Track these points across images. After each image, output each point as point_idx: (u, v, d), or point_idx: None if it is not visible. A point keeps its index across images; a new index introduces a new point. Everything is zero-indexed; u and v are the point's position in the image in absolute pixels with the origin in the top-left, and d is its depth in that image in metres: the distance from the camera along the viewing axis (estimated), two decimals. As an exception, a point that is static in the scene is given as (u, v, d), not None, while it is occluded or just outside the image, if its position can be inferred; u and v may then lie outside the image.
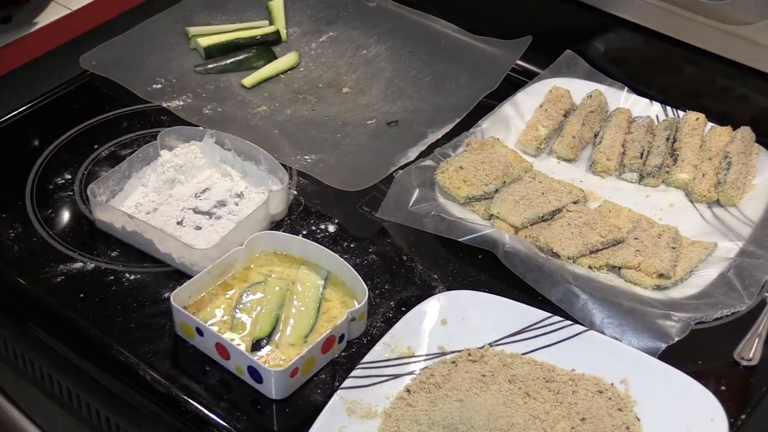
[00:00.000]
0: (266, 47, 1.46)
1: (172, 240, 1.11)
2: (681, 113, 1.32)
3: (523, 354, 1.01)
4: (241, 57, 1.44)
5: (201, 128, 1.27)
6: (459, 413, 0.94)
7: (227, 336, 1.01)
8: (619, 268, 1.12)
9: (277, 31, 1.48)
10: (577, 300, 1.06)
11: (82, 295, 1.10)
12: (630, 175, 1.25)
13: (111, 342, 1.05)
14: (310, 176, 1.24)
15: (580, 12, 1.41)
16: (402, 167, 1.23)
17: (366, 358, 0.99)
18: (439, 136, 1.30)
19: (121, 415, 1.06)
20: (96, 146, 1.30)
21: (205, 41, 1.45)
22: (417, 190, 1.18)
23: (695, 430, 0.93)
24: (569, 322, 1.02)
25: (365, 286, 1.03)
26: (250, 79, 1.40)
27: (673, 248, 1.12)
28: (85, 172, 1.26)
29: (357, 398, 0.96)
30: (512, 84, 1.38)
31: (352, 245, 1.16)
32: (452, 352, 1.02)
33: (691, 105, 1.32)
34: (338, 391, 0.96)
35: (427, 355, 1.01)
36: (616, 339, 1.02)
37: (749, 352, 1.02)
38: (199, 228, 1.16)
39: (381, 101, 1.37)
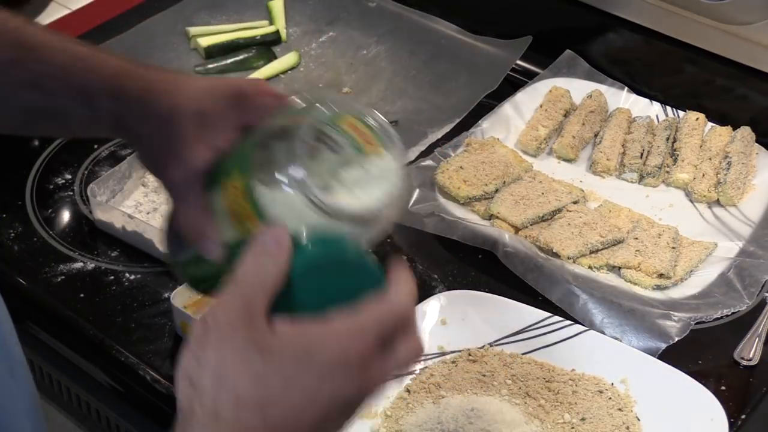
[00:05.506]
0: (266, 47, 1.46)
1: (172, 240, 1.11)
2: (681, 113, 1.31)
3: (523, 354, 1.01)
4: (241, 57, 1.43)
5: (201, 128, 1.27)
6: (459, 413, 0.93)
7: (227, 336, 1.01)
8: (619, 268, 1.12)
9: (277, 31, 1.48)
10: (577, 300, 1.06)
11: (82, 295, 1.10)
12: (630, 175, 1.25)
13: (111, 342, 1.05)
14: (310, 176, 1.23)
15: (580, 12, 1.41)
16: (402, 167, 1.23)
17: (366, 358, 0.99)
18: (439, 136, 1.29)
19: (121, 416, 1.06)
20: (96, 146, 1.30)
21: (205, 41, 1.45)
22: (417, 190, 1.18)
23: (695, 430, 0.93)
24: (569, 322, 1.02)
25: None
26: (250, 79, 1.40)
27: (673, 248, 1.12)
28: (85, 172, 1.26)
29: (357, 398, 0.96)
30: (512, 84, 1.38)
31: (352, 245, 1.16)
32: (452, 352, 1.02)
33: (691, 105, 1.32)
34: (338, 391, 0.95)
35: (426, 355, 1.01)
36: (616, 339, 1.02)
37: (749, 352, 1.02)
38: (199, 228, 1.15)
39: (381, 101, 1.37)
